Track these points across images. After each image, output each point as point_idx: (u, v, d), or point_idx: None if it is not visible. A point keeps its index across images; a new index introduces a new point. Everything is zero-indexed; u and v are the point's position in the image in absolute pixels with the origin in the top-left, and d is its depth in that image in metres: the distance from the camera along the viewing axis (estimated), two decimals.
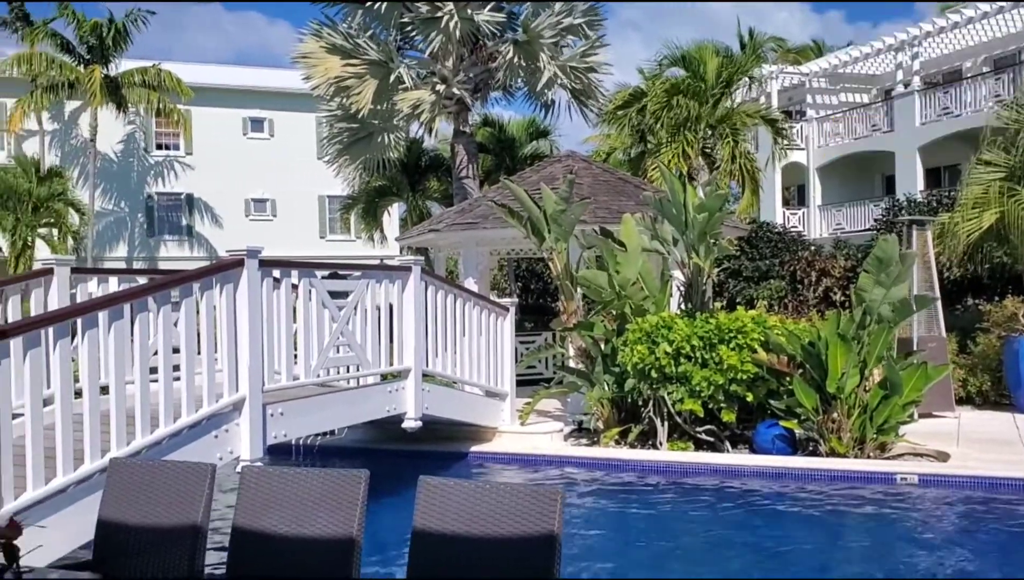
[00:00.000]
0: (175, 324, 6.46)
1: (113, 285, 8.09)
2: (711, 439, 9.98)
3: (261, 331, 7.01)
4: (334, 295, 8.11)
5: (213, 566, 4.40)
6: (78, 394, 5.73)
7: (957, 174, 22.14)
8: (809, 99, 32.44)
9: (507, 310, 10.92)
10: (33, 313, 7.35)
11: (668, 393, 9.85)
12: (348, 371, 8.52)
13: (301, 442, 10.49)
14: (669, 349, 9.71)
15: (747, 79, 22.52)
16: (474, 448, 10.48)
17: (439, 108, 17.73)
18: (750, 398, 9.78)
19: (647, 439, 10.17)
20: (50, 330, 5.56)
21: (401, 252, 17.30)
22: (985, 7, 25.90)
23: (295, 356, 7.74)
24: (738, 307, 11.23)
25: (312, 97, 20.29)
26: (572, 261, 11.23)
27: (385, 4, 17.34)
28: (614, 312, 10.61)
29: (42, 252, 24.93)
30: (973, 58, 28.79)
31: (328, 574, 3.45)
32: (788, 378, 9.61)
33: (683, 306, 11.02)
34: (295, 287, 7.77)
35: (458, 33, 16.96)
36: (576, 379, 10.88)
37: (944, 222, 13.62)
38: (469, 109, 18.60)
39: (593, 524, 8.12)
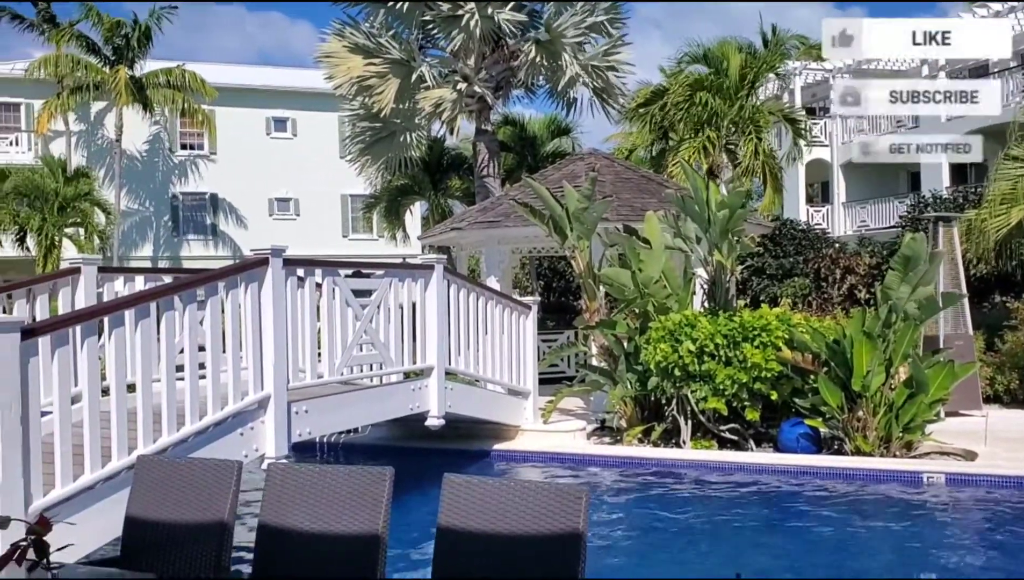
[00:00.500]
0: (201, 323, 6.51)
1: (139, 284, 8.16)
2: (735, 438, 9.93)
3: (285, 329, 7.05)
4: (357, 294, 8.13)
5: (239, 563, 4.43)
6: (105, 392, 5.78)
7: (984, 170, 21.89)
8: (833, 95, 32.18)
9: (529, 308, 10.92)
10: (61, 312, 7.43)
11: (691, 391, 9.81)
12: (371, 369, 8.55)
13: (325, 439, 10.55)
14: (692, 347, 9.67)
15: (772, 76, 22.38)
16: (497, 446, 10.49)
17: (461, 107, 17.75)
18: (774, 396, 9.73)
19: (670, 438, 10.14)
20: (78, 329, 5.62)
21: (423, 251, 17.37)
22: (1014, 2, 25.61)
23: (319, 354, 7.78)
24: (762, 305, 11.17)
25: (334, 97, 20.37)
26: (594, 259, 11.21)
27: (407, 3, 17.38)
28: (637, 310, 10.57)
29: (69, 252, 25.17)
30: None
31: (354, 571, 3.46)
32: (813, 376, 9.55)
33: (706, 304, 10.97)
34: (319, 286, 7.80)
35: (479, 31, 16.96)
36: (599, 377, 10.86)
37: (971, 218, 13.49)
38: (491, 107, 18.60)
39: (617, 523, 8.11)
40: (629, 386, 10.33)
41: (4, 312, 7.29)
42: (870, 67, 31.59)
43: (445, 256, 10.40)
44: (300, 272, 7.41)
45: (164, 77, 31.20)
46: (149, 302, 6.11)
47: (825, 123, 31.45)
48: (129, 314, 5.94)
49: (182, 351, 6.37)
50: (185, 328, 6.38)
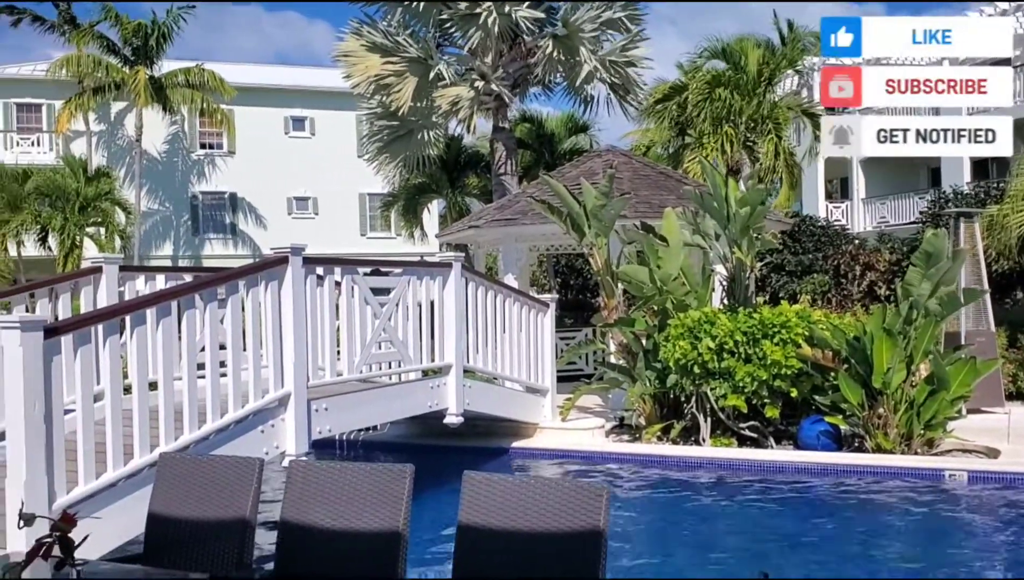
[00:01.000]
0: (221, 321, 6.55)
1: (160, 283, 8.22)
2: (754, 435, 9.89)
3: (305, 328, 7.08)
4: (376, 292, 8.16)
5: (261, 559, 4.45)
6: (127, 390, 5.83)
7: (1006, 165, 21.69)
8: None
9: (547, 306, 10.91)
10: (83, 311, 7.49)
11: (711, 389, 9.78)
12: (390, 367, 8.58)
13: (344, 437, 10.59)
14: (712, 344, 9.64)
15: (791, 72, 22.26)
16: (515, 444, 10.50)
17: (478, 104, 17.76)
18: (794, 394, 9.69)
19: (689, 435, 10.11)
20: (100, 327, 5.66)
21: (441, 249, 17.39)
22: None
23: (338, 352, 7.81)
24: (781, 302, 11.12)
25: (352, 95, 20.41)
26: (612, 256, 11.19)
27: (424, 2, 17.41)
28: (655, 307, 10.55)
29: (90, 251, 25.37)
30: (1022, 47, 28.17)
31: (375, 568, 3.47)
32: (833, 373, 9.50)
33: (725, 301, 10.93)
34: (338, 284, 7.83)
35: (497, 29, 16.96)
36: (617, 375, 10.84)
37: (993, 214, 13.37)
38: (508, 105, 18.60)
39: (636, 520, 8.10)
40: (648, 384, 10.31)
41: (27, 311, 7.35)
42: (888, 61, 31.34)
43: (463, 254, 10.42)
44: (319, 270, 7.44)
45: (183, 77, 31.37)
46: (170, 301, 6.15)
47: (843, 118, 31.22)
48: (150, 313, 5.99)
49: (203, 349, 6.41)
50: (206, 326, 6.41)
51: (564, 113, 28.90)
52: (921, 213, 22.48)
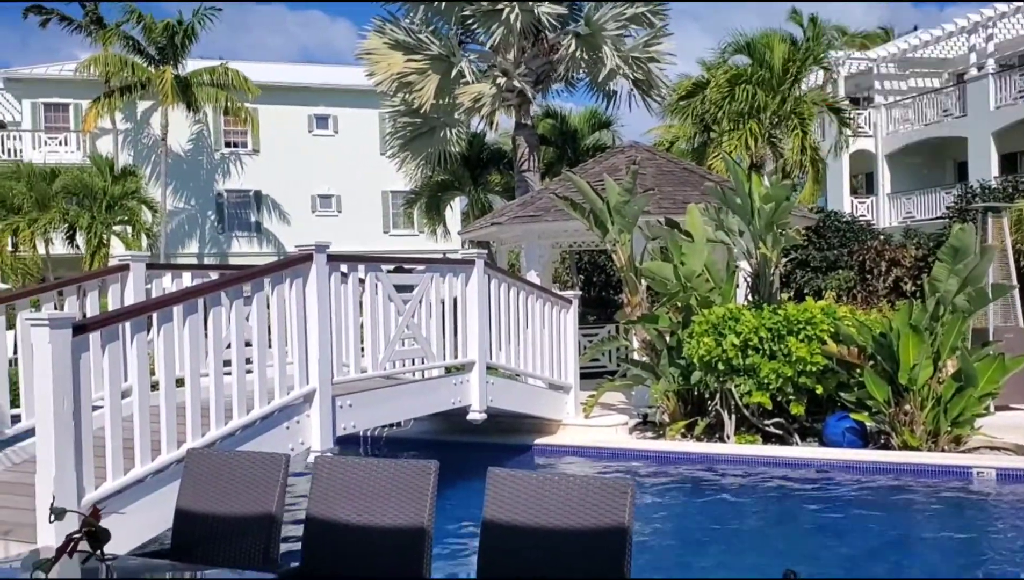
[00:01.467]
0: (247, 318, 6.59)
1: (186, 280, 8.28)
2: (779, 432, 9.84)
3: (330, 325, 7.11)
4: (399, 289, 8.18)
5: (287, 554, 4.48)
6: (154, 386, 5.88)
7: None
8: (877, 85, 31.67)
9: (570, 303, 10.90)
10: (110, 308, 7.56)
11: (735, 385, 9.74)
12: (413, 364, 8.60)
13: (368, 433, 10.63)
14: (736, 341, 9.60)
15: (818, 67, 22.11)
16: (538, 440, 10.50)
17: (500, 101, 17.76)
18: (819, 390, 9.63)
19: (714, 432, 10.08)
20: (127, 324, 5.72)
21: (463, 246, 17.41)
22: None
23: (362, 349, 7.84)
24: (806, 298, 11.05)
25: (375, 93, 20.48)
26: (636, 253, 11.16)
27: (446, 0, 17.43)
28: (679, 304, 10.51)
29: (117, 249, 25.59)
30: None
31: (400, 564, 3.49)
32: (858, 370, 9.43)
33: (750, 297, 10.87)
34: (361, 282, 7.86)
35: (519, 26, 16.95)
36: (641, 372, 10.81)
37: (1021, 209, 13.21)
38: (530, 101, 18.58)
39: (661, 517, 8.08)
40: (672, 380, 10.28)
41: (56, 309, 7.43)
42: (915, 55, 31.05)
43: (485, 251, 10.41)
44: (343, 268, 7.47)
45: (208, 76, 31.57)
46: (196, 298, 6.20)
47: (869, 113, 30.96)
48: (177, 310, 6.04)
49: (229, 346, 6.46)
50: (232, 323, 6.46)
51: (587, 109, 28.85)
52: (948, 208, 22.27)
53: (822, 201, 27.47)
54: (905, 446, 9.08)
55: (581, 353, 12.06)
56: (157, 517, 5.16)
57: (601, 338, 15.98)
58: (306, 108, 37.28)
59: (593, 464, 9.91)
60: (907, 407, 9.16)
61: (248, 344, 6.51)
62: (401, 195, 33.59)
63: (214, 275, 8.04)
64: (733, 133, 20.16)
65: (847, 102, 26.90)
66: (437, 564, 3.68)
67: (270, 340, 6.78)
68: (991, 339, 10.76)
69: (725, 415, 9.95)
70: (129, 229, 27.88)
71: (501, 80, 17.51)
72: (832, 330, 9.57)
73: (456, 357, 8.95)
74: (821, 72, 25.71)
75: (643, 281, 10.94)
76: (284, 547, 3.99)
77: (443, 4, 17.51)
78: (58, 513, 3.15)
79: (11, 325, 7.85)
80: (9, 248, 26.38)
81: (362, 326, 7.84)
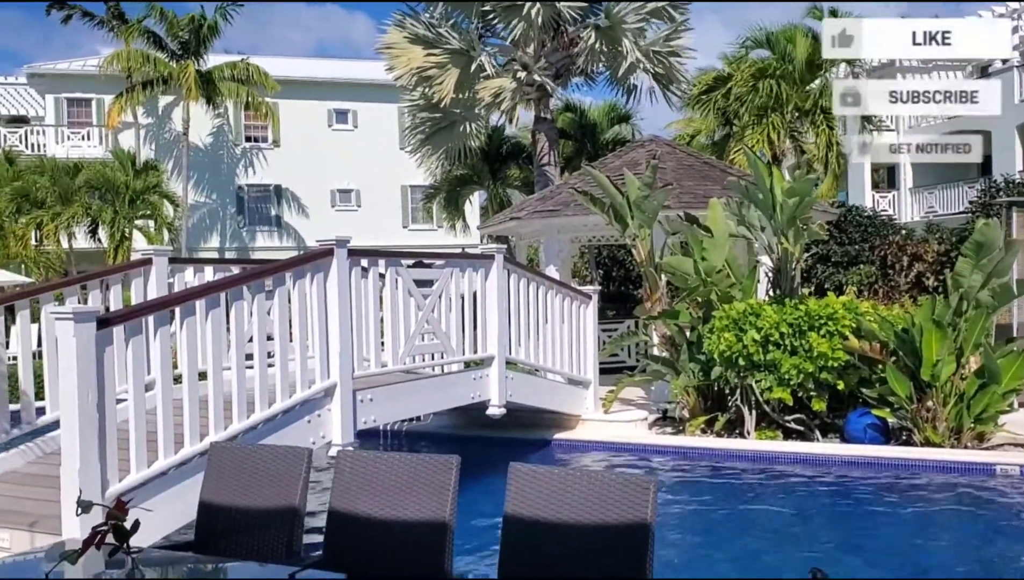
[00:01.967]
0: (269, 312, 6.63)
1: (208, 274, 8.33)
2: (800, 428, 9.79)
3: (350, 319, 7.14)
4: (419, 284, 8.19)
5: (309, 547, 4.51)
6: (177, 380, 5.92)
7: None
8: (900, 79, 31.36)
9: (589, 298, 10.88)
10: (134, 302, 7.62)
11: (756, 381, 9.70)
12: (433, 358, 8.62)
13: (388, 427, 10.67)
14: (757, 336, 9.55)
15: (843, 62, 21.94)
16: (558, 435, 10.50)
17: (519, 95, 17.73)
18: (841, 386, 9.57)
19: (734, 428, 10.04)
20: (150, 318, 5.75)
21: (482, 240, 17.41)
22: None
23: (382, 343, 7.86)
24: (827, 293, 10.98)
25: (395, 88, 20.49)
26: (656, 248, 11.13)
27: None
28: (700, 299, 10.48)
29: (139, 243, 25.77)
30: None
31: (422, 557, 3.50)
32: (880, 366, 9.37)
33: (771, 292, 10.82)
34: (381, 276, 7.88)
35: (540, 19, 16.91)
36: (660, 367, 10.79)
37: None
38: (550, 95, 18.54)
39: (681, 513, 8.06)
40: (692, 376, 10.24)
41: (80, 302, 7.49)
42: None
43: (504, 246, 10.41)
44: (364, 262, 7.49)
45: (229, 71, 31.71)
46: (219, 292, 6.24)
47: None
48: (200, 304, 6.08)
49: (251, 340, 6.49)
50: (254, 317, 6.50)
51: (606, 103, 28.77)
52: (971, 203, 22.08)
53: (843, 196, 27.30)
54: (927, 443, 9.02)
55: (600, 348, 12.05)
56: (180, 510, 5.20)
57: (620, 333, 15.93)
58: (326, 103, 37.38)
59: (613, 459, 9.90)
60: (929, 403, 9.10)
61: (270, 338, 6.54)
62: (420, 190, 33.64)
63: (236, 269, 8.11)
64: (755, 127, 20.05)
65: None
66: (459, 559, 3.69)
67: (291, 334, 6.81)
68: (1015, 335, 10.65)
69: (745, 411, 9.91)
70: (151, 223, 28.06)
71: (521, 74, 17.48)
72: (854, 325, 9.51)
73: (475, 352, 8.96)
74: (844, 66, 25.48)
75: (663, 276, 10.90)
76: (306, 539, 4.01)
77: None
78: (85, 506, 3.18)
79: (35, 318, 7.94)
80: (33, 242, 26.61)
81: (382, 321, 7.86)
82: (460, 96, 17.93)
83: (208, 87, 31.47)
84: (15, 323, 6.88)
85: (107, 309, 7.35)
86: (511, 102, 17.50)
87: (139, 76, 30.85)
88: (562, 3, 16.93)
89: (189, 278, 8.39)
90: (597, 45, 17.32)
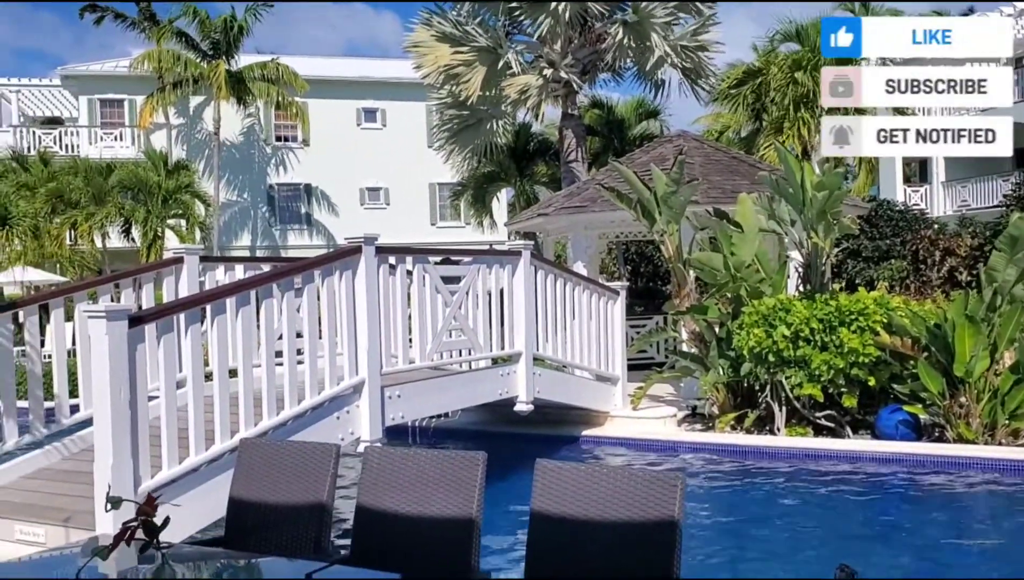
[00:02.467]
0: (298, 310, 6.67)
1: (239, 272, 8.40)
2: (831, 424, 9.71)
3: (378, 316, 7.17)
4: (446, 280, 8.21)
5: (338, 543, 4.54)
6: (208, 377, 5.98)
7: None
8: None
9: (617, 294, 10.86)
10: (165, 300, 7.70)
11: (786, 377, 9.62)
12: (461, 355, 8.64)
13: (416, 423, 10.71)
14: (787, 332, 9.48)
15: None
16: (585, 432, 10.49)
17: (546, 92, 17.72)
18: (872, 382, 9.47)
19: (764, 424, 9.98)
20: (182, 316, 5.82)
21: (509, 237, 17.43)
22: None
23: (410, 340, 7.89)
24: (858, 288, 10.87)
25: (422, 86, 20.55)
26: (684, 243, 11.07)
27: None
28: (729, 295, 10.41)
29: (171, 242, 26.06)
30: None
31: (449, 553, 3.51)
32: (912, 361, 9.26)
33: (801, 288, 10.73)
34: (409, 273, 7.91)
35: (567, 16, 16.88)
36: (689, 363, 10.73)
37: None
38: (577, 92, 18.51)
39: (711, 510, 8.02)
40: (721, 372, 10.19)
41: (112, 301, 7.59)
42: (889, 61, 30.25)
43: (532, 242, 10.40)
44: (392, 260, 7.52)
45: (260, 71, 31.97)
46: (249, 290, 6.29)
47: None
48: (230, 302, 6.13)
49: (281, 337, 6.54)
50: (284, 315, 6.54)
51: (634, 98, 28.68)
52: (1005, 196, 21.76)
53: (874, 190, 27.01)
54: (960, 439, 8.91)
55: (629, 344, 12.02)
56: (211, 506, 5.24)
57: (649, 329, 15.88)
58: (355, 101, 37.57)
59: (641, 456, 9.87)
60: (962, 400, 8.98)
61: (299, 335, 6.58)
62: (448, 187, 33.74)
63: (266, 267, 8.16)
64: (788, 122, 19.90)
65: None
66: (486, 556, 3.70)
67: (320, 331, 6.85)
68: None
69: (775, 407, 9.84)
70: (183, 222, 28.37)
71: (548, 71, 17.47)
72: (885, 321, 9.41)
73: (503, 348, 8.97)
74: (874, 59, 25.18)
75: (691, 272, 10.85)
76: (333, 534, 4.03)
77: None
78: (114, 502, 3.22)
79: (69, 317, 8.04)
80: (68, 242, 26.99)
81: (410, 317, 7.89)
82: (487, 93, 17.96)
83: (238, 87, 31.74)
84: (50, 322, 6.98)
85: (139, 307, 7.44)
86: (538, 99, 17.49)
87: (170, 76, 31.17)
88: (589, 0, 16.89)
89: (220, 276, 8.47)
90: (625, 40, 17.26)
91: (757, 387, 10.03)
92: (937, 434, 9.26)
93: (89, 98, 35.28)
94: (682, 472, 7.86)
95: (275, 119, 36.63)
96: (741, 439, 9.79)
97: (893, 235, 18.87)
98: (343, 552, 3.94)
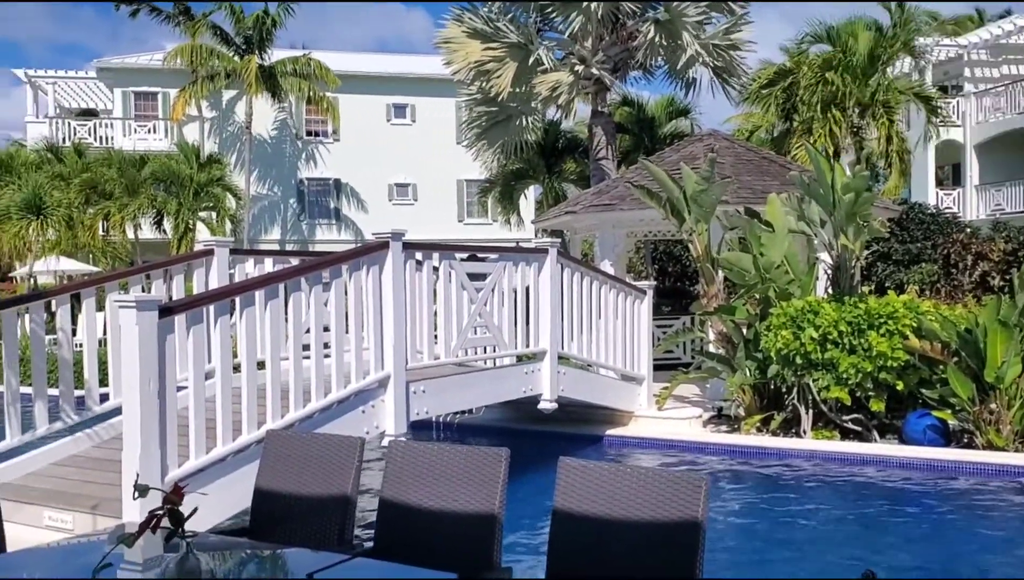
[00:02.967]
0: (325, 304, 6.72)
1: (268, 265, 8.48)
2: (858, 428, 9.63)
3: (405, 311, 7.20)
4: (472, 277, 8.23)
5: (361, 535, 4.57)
6: (236, 369, 6.04)
7: None
8: (967, 72, 30.57)
9: (644, 293, 10.82)
10: (195, 291, 7.78)
11: (813, 380, 9.55)
12: (486, 351, 8.65)
13: (440, 419, 10.74)
14: (815, 334, 9.41)
15: (906, 54, 21.47)
16: (610, 431, 10.47)
17: (577, 89, 17.68)
18: (900, 386, 9.38)
19: (790, 427, 9.91)
20: (211, 308, 5.87)
21: (537, 235, 17.43)
22: None
23: (435, 336, 7.91)
24: (888, 292, 10.77)
25: (452, 82, 20.59)
26: (713, 243, 11.01)
27: None
28: (757, 296, 10.35)
29: (202, 234, 26.29)
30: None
31: (471, 548, 3.52)
32: (941, 366, 9.16)
33: (830, 290, 10.65)
34: (436, 269, 7.93)
35: (599, 13, 16.83)
36: (716, 364, 10.68)
37: None
38: (607, 89, 18.47)
39: (736, 512, 7.99)
40: (748, 374, 10.13)
41: (143, 291, 7.67)
42: (1009, 42, 29.89)
43: (559, 240, 10.40)
44: (418, 256, 7.55)
45: (292, 66, 32.19)
46: (277, 283, 6.34)
47: (958, 102, 29.92)
48: (259, 294, 6.18)
49: (308, 331, 6.59)
50: (311, 309, 6.59)
51: (665, 97, 28.57)
52: None
53: (906, 192, 26.71)
54: (990, 446, 8.80)
55: (655, 344, 11.97)
56: (237, 496, 5.29)
57: (676, 329, 15.82)
58: (385, 97, 37.72)
59: (666, 457, 9.84)
60: (993, 406, 8.87)
61: (326, 329, 6.63)
62: (476, 184, 33.77)
63: (295, 261, 8.21)
64: (818, 122, 19.74)
65: (936, 90, 26.04)
66: (506, 550, 3.70)
67: (347, 326, 6.89)
68: None
69: (802, 410, 9.77)
70: (214, 215, 28.63)
71: (578, 68, 17.44)
72: (914, 325, 9.32)
73: (528, 346, 8.97)
74: (908, 60, 24.92)
75: (720, 272, 10.79)
76: (357, 527, 4.06)
77: None
78: (142, 490, 3.25)
79: (101, 306, 8.15)
80: (101, 232, 27.32)
81: (436, 313, 7.91)
82: (517, 90, 17.95)
83: (270, 81, 31.97)
84: (81, 311, 7.07)
85: (170, 298, 7.52)
86: (568, 96, 17.45)
87: (203, 70, 31.46)
88: None
89: (249, 269, 8.54)
90: (656, 39, 17.20)
91: (784, 389, 9.96)
92: (966, 440, 9.16)
93: (124, 91, 35.68)
94: (706, 474, 7.84)
95: (306, 114, 36.85)
96: (767, 441, 9.74)
97: (924, 238, 18.66)
98: (366, 544, 3.96)
